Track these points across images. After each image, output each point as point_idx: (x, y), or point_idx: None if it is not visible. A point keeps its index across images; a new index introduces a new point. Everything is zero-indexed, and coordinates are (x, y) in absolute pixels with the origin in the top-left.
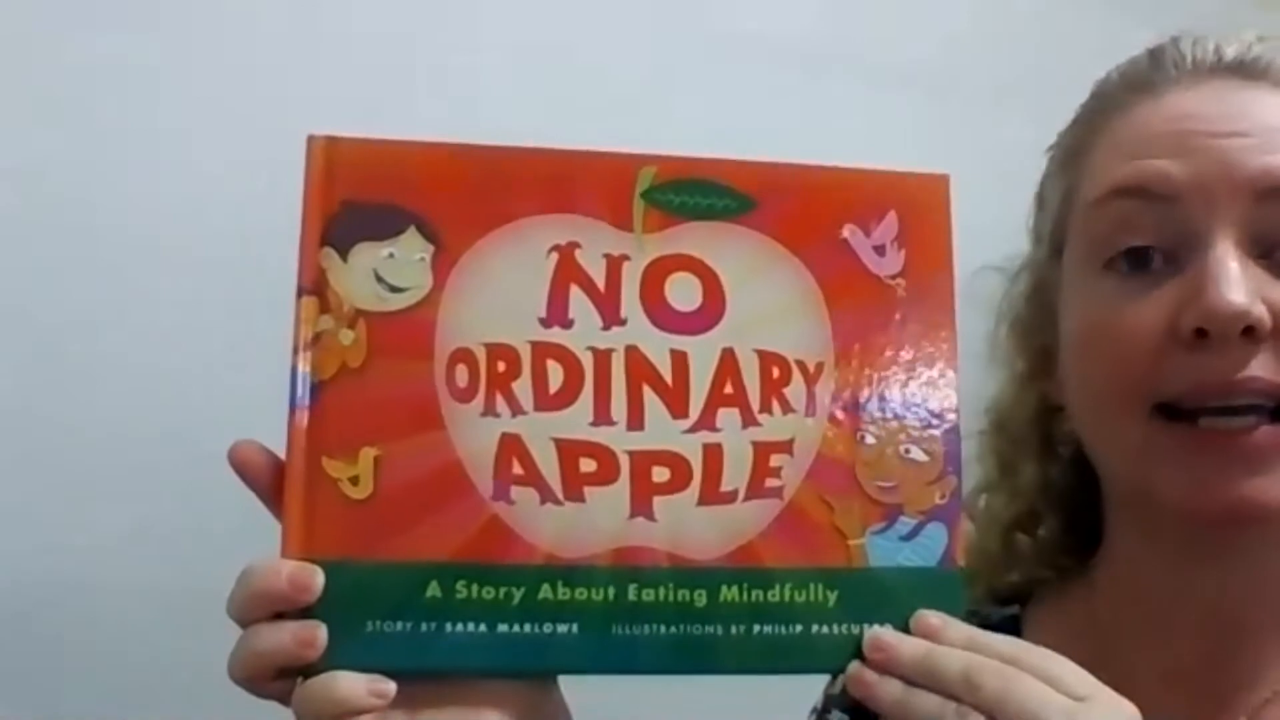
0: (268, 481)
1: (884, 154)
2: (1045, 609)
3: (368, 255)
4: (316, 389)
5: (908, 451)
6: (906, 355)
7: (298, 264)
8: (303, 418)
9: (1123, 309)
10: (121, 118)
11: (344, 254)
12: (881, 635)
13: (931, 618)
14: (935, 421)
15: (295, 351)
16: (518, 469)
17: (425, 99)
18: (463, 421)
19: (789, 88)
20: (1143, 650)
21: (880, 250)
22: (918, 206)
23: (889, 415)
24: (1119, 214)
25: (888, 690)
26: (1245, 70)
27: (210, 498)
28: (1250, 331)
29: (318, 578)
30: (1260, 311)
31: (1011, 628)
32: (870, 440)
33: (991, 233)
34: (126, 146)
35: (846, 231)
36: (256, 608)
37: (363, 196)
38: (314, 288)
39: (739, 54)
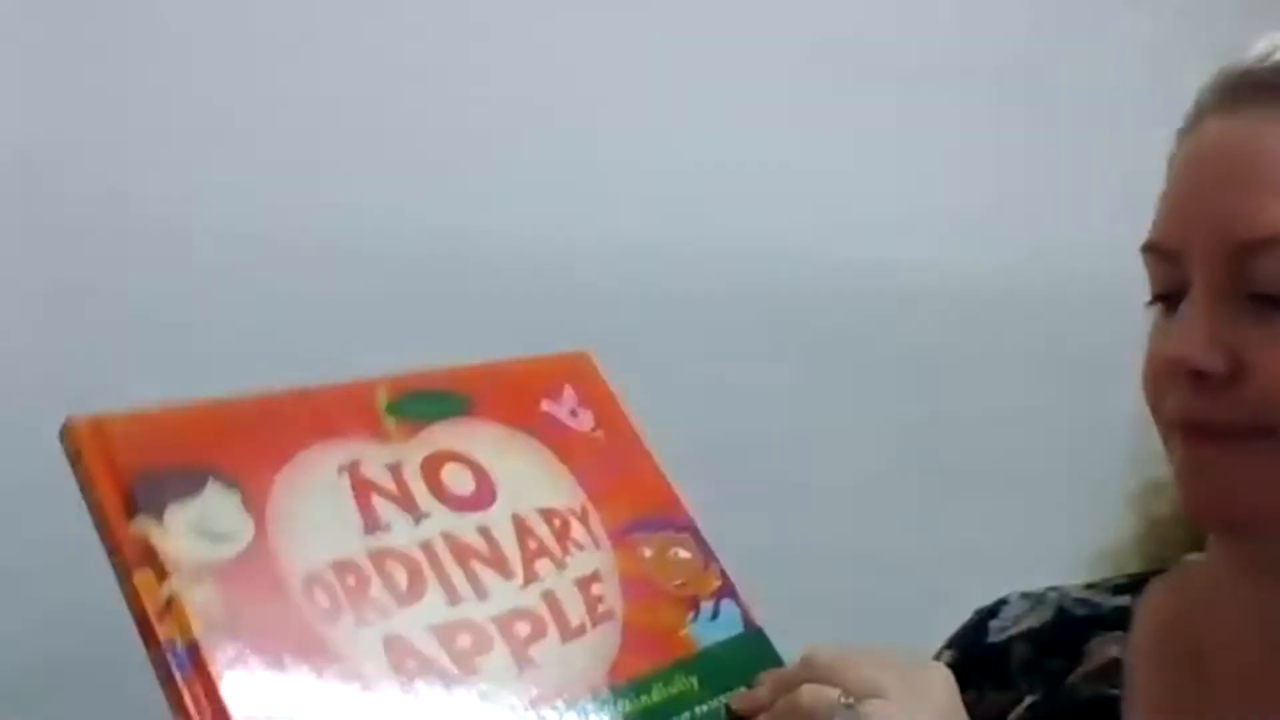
0: None
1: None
2: (1152, 603)
3: (181, 514)
4: (191, 652)
5: (676, 554)
6: (628, 478)
7: (105, 547)
8: (193, 687)
9: (1152, 342)
10: None
11: (159, 518)
12: (743, 696)
13: (755, 687)
14: (678, 522)
15: (149, 630)
16: (412, 663)
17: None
18: (345, 640)
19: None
20: (1219, 657)
21: (573, 414)
22: (579, 376)
23: (648, 528)
24: (1147, 264)
25: None
26: (1267, 90)
27: None
28: (1201, 375)
29: None
30: (1206, 360)
31: (1119, 617)
32: (648, 553)
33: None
34: None
35: (545, 405)
36: None
37: (153, 464)
38: (142, 559)
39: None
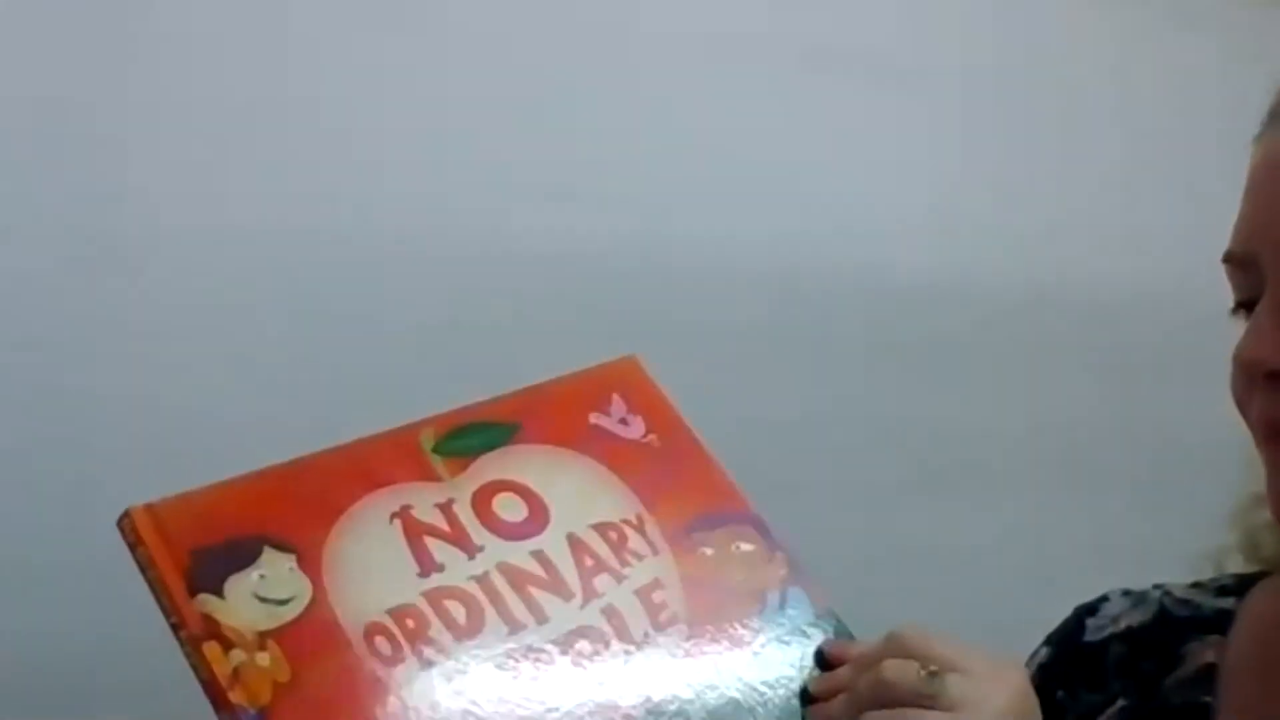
0: None
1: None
2: (1254, 608)
3: (241, 584)
4: (264, 717)
5: (739, 548)
6: (684, 478)
7: (171, 626)
8: None
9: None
10: None
11: (219, 592)
12: (822, 679)
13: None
14: (738, 516)
15: (221, 697)
16: (477, 696)
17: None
18: (408, 683)
19: (788, 87)
20: None
21: (623, 422)
22: (627, 383)
23: (708, 526)
24: (1227, 273)
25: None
26: None
27: None
28: (1275, 376)
29: None
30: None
31: (1220, 620)
32: (710, 552)
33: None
34: None
35: (593, 419)
36: None
37: (207, 541)
38: (206, 633)
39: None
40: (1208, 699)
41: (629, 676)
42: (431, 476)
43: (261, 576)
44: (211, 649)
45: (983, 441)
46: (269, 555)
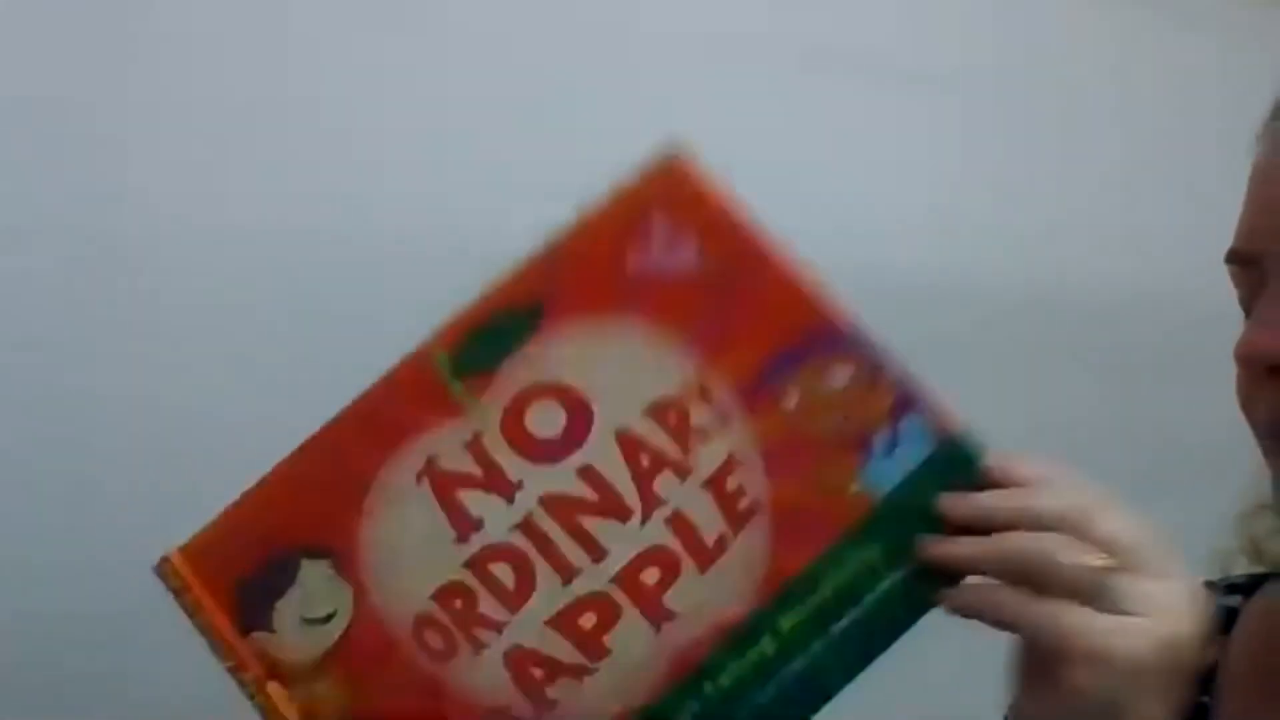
0: None
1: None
2: (1258, 609)
3: (287, 610)
4: None
5: (831, 383)
6: (753, 306)
7: (229, 670)
8: None
9: None
10: None
11: (269, 626)
12: (941, 546)
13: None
14: (826, 339)
15: None
16: (538, 672)
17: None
18: (467, 673)
19: (788, 87)
20: None
21: (669, 248)
22: (669, 193)
23: (788, 366)
24: (1231, 274)
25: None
26: None
27: None
28: (1278, 371)
29: None
30: None
31: (1225, 619)
32: (795, 400)
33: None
34: None
35: (632, 261)
36: None
37: (248, 570)
38: (267, 674)
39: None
40: (1205, 699)
41: (708, 602)
42: (453, 410)
43: (303, 594)
44: (275, 690)
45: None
46: (306, 567)
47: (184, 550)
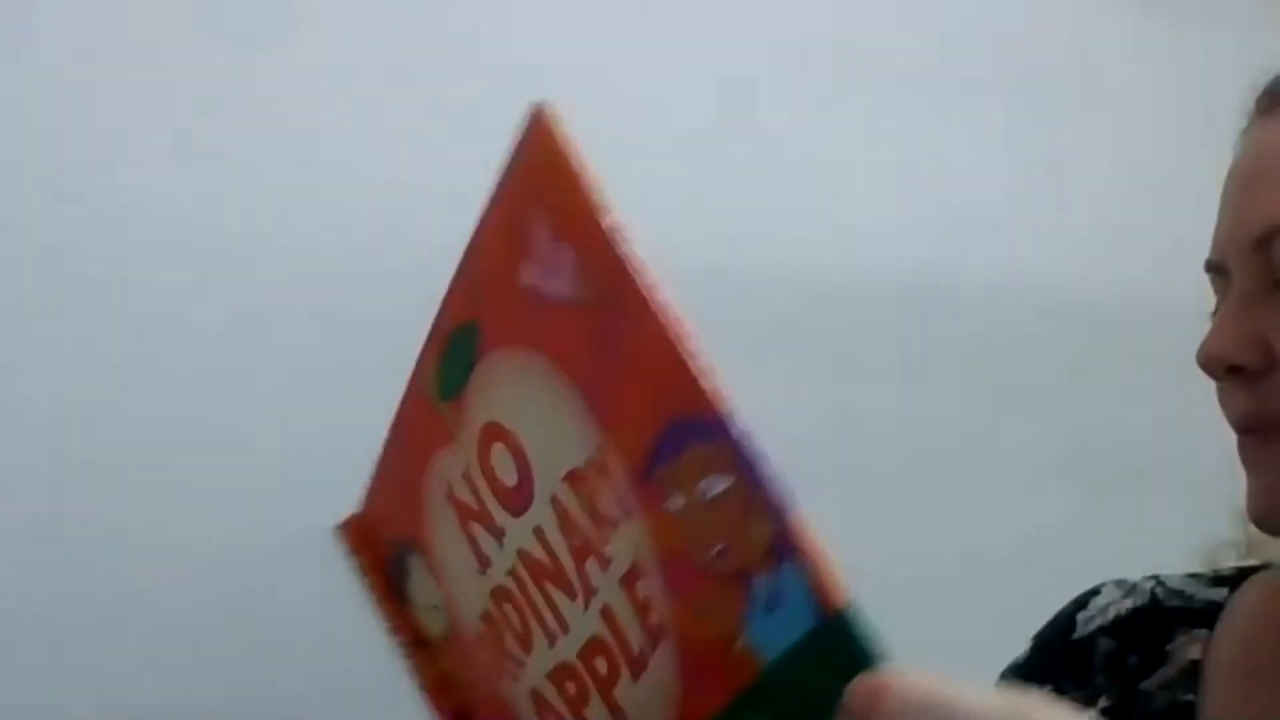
0: None
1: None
2: (1244, 602)
3: (413, 593)
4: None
5: (708, 489)
6: (635, 360)
7: (388, 632)
8: None
9: None
10: None
11: (410, 601)
12: None
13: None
14: (704, 430)
15: (433, 702)
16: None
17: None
18: (514, 698)
19: (789, 89)
20: None
21: (553, 267)
22: (542, 176)
23: (669, 451)
24: (1210, 283)
25: None
26: None
27: None
28: (1238, 370)
29: None
30: (1237, 354)
31: (1209, 613)
32: (679, 502)
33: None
34: None
35: (524, 278)
36: None
37: (388, 551)
38: (415, 640)
39: (739, 55)
40: (1191, 698)
41: (641, 715)
42: (446, 437)
43: (416, 585)
44: (422, 655)
45: (983, 442)
46: (413, 561)
47: (349, 521)
